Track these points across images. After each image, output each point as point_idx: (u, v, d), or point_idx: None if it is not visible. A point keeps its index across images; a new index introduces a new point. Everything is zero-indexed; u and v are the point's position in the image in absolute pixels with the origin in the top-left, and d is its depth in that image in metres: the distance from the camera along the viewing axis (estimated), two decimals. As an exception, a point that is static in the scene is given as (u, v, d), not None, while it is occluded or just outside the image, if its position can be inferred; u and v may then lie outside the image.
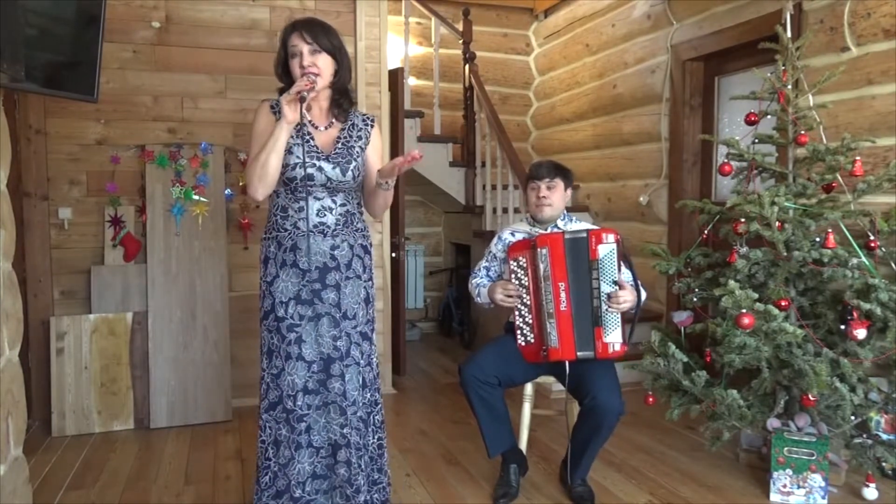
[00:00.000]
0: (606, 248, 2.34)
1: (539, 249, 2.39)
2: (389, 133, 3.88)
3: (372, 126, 2.17)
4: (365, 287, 2.12)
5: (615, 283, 2.35)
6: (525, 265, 2.45)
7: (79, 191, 3.37)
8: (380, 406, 2.18)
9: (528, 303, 2.46)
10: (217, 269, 3.46)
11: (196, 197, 3.43)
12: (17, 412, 1.85)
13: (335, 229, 2.03)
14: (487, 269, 2.73)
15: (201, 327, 3.42)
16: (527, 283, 2.45)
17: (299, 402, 2.00)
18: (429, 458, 2.94)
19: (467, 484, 2.67)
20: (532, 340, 2.46)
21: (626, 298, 2.34)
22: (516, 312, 2.49)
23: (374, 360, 2.17)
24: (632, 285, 2.39)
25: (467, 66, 4.80)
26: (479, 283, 2.68)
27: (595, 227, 2.58)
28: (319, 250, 2.01)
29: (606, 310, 2.35)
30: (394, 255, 4.08)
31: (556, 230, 2.54)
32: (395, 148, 4.07)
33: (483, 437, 2.49)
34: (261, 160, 1.91)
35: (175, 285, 3.39)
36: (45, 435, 3.21)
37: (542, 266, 2.38)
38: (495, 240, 2.73)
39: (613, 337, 2.37)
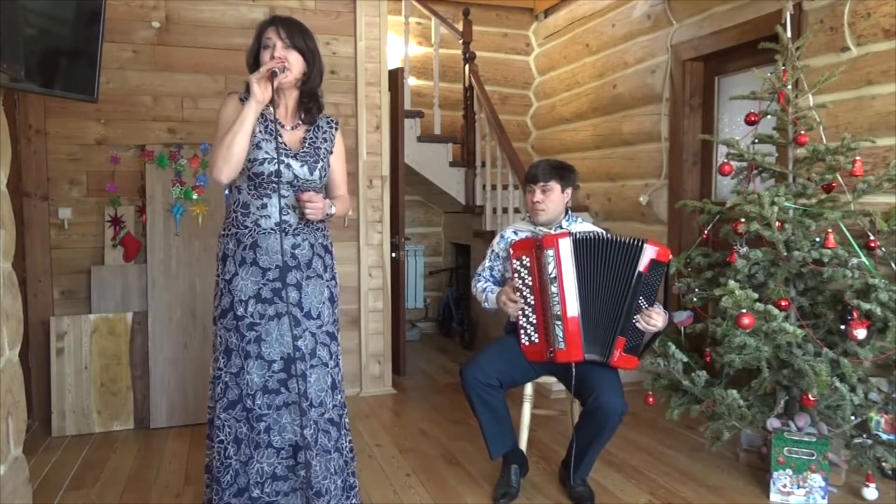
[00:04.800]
0: (656, 265, 2.30)
1: (546, 251, 2.36)
2: (389, 133, 3.88)
3: (336, 129, 2.18)
4: (328, 286, 2.11)
5: (653, 301, 2.33)
6: (529, 265, 2.43)
7: (79, 191, 3.37)
8: (346, 409, 2.16)
9: (532, 303, 2.45)
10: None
11: (196, 197, 3.43)
12: (17, 412, 1.85)
13: (296, 228, 2.03)
14: (491, 268, 2.72)
15: (201, 327, 3.41)
16: (530, 283, 2.44)
17: (258, 402, 1.98)
18: (429, 458, 2.94)
19: (467, 484, 2.67)
20: (536, 340, 2.45)
21: (658, 322, 2.32)
22: (519, 312, 2.48)
23: (341, 360, 2.16)
24: (663, 309, 2.37)
25: (467, 66, 4.80)
26: (487, 287, 2.66)
27: (597, 227, 2.58)
28: (279, 248, 2.00)
29: (635, 323, 2.33)
30: (394, 255, 4.08)
31: (560, 230, 2.53)
32: (396, 148, 4.07)
33: (485, 439, 2.49)
34: (226, 141, 1.90)
35: (175, 285, 3.39)
36: (45, 435, 3.21)
37: (549, 267, 2.36)
38: (497, 238, 2.72)
39: (632, 350, 2.36)
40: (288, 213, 2.01)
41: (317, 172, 2.05)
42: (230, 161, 1.91)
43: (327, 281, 2.11)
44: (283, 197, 2.00)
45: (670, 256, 2.34)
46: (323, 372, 2.05)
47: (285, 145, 2.02)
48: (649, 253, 2.29)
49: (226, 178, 1.93)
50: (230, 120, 1.96)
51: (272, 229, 1.99)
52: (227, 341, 2.00)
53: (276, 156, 1.97)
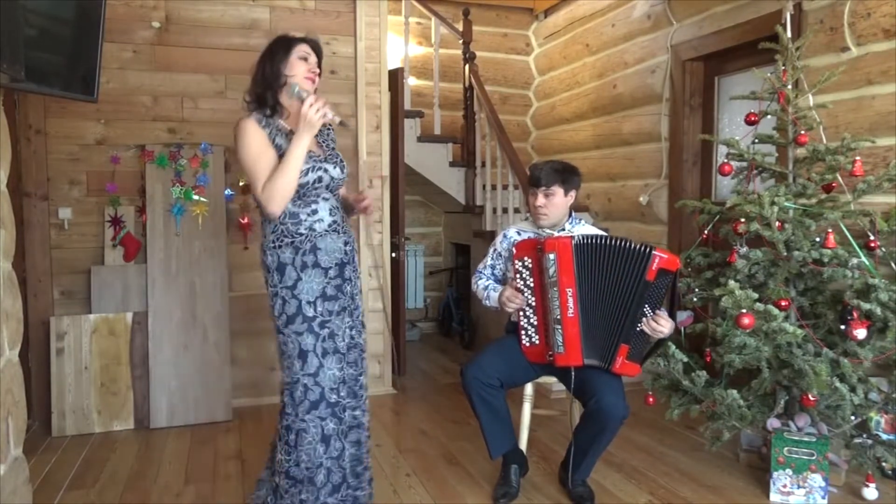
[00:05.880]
0: (664, 274, 2.26)
1: (547, 254, 2.34)
2: (389, 133, 3.88)
3: (333, 131, 2.28)
4: (360, 279, 2.27)
5: (659, 309, 2.30)
6: (531, 266, 2.43)
7: (79, 191, 3.37)
8: None
9: (533, 304, 2.44)
10: (217, 269, 3.46)
11: (196, 197, 3.43)
12: (17, 412, 1.85)
13: (343, 226, 2.16)
14: (493, 267, 2.70)
15: (201, 327, 3.41)
16: (532, 285, 2.43)
17: (342, 393, 2.10)
18: (429, 458, 2.94)
19: (467, 484, 2.67)
20: (537, 342, 2.45)
21: (665, 329, 2.29)
22: (520, 313, 2.48)
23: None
24: (670, 317, 2.34)
25: (467, 66, 4.80)
26: (489, 285, 2.64)
27: (599, 230, 2.57)
28: (336, 247, 2.11)
29: (640, 330, 2.31)
30: (394, 255, 4.08)
31: (563, 234, 2.51)
32: (395, 148, 4.07)
33: (485, 439, 2.49)
34: (285, 181, 1.97)
35: (175, 285, 3.39)
36: (45, 435, 3.21)
37: (550, 270, 2.34)
38: (500, 237, 2.70)
39: (635, 358, 2.34)
40: (336, 214, 2.13)
41: (345, 171, 2.18)
42: (287, 196, 2.00)
43: (359, 275, 2.26)
44: (326, 199, 2.11)
45: (679, 265, 2.30)
46: (361, 357, 2.19)
47: (314, 153, 2.09)
48: (657, 261, 2.25)
49: (279, 210, 2.01)
50: (260, 147, 2.02)
51: (326, 230, 2.09)
52: (301, 344, 2.06)
53: (313, 164, 2.05)
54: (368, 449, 2.23)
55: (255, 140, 2.02)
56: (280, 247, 2.07)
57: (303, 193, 2.05)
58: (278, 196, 1.98)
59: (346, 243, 2.14)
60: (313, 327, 2.06)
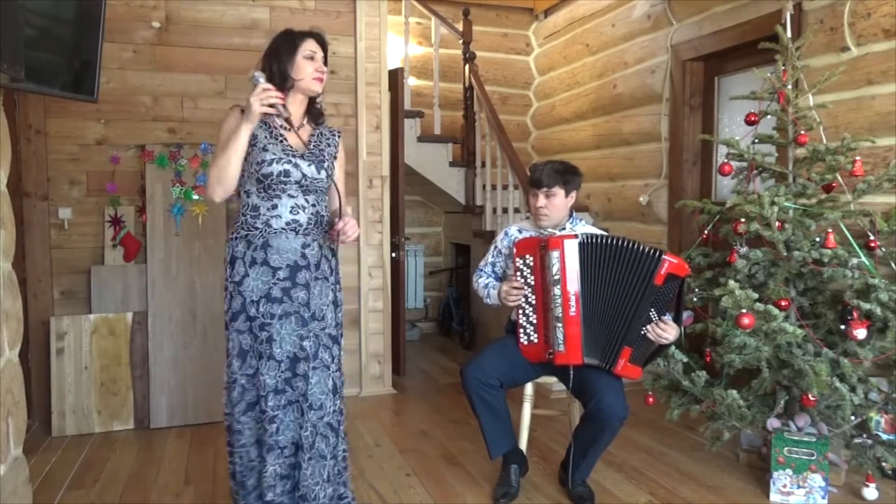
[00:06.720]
0: (672, 278, 2.25)
1: (550, 252, 2.34)
2: (389, 133, 3.88)
3: (339, 138, 2.22)
4: (332, 290, 2.12)
5: (665, 314, 2.29)
6: (532, 264, 2.42)
7: (79, 191, 3.37)
8: (344, 415, 2.15)
9: (533, 302, 2.44)
10: (217, 269, 3.46)
11: (196, 197, 3.43)
12: (17, 412, 1.85)
13: (307, 228, 2.04)
14: (493, 265, 2.70)
15: (201, 327, 3.41)
16: (532, 283, 2.43)
17: (271, 403, 1.98)
18: (429, 458, 2.94)
19: (467, 484, 2.67)
20: (535, 340, 2.45)
21: (669, 336, 2.28)
22: (519, 311, 2.47)
23: (342, 365, 2.16)
24: (675, 322, 2.32)
25: (467, 66, 4.80)
26: (489, 283, 2.64)
27: (598, 230, 2.56)
28: (290, 248, 2.01)
29: (644, 334, 2.30)
30: (394, 255, 4.08)
31: (564, 232, 2.50)
32: (395, 148, 4.07)
33: (485, 439, 2.49)
34: (221, 163, 1.93)
35: (175, 285, 3.39)
36: (45, 435, 3.21)
37: (553, 268, 2.34)
38: (501, 235, 2.69)
39: (637, 360, 2.33)
40: (298, 213, 2.03)
41: (323, 171, 2.07)
42: (224, 183, 1.96)
43: (332, 284, 2.12)
44: (293, 197, 2.02)
45: (688, 270, 2.29)
46: (324, 375, 2.04)
47: (291, 147, 2.05)
48: (667, 265, 2.23)
49: (219, 198, 1.98)
50: (228, 135, 1.98)
51: (283, 229, 2.01)
52: (241, 343, 2.00)
53: (282, 156, 2.00)
54: (322, 480, 2.01)
55: (227, 127, 2.00)
56: (236, 238, 2.03)
57: (267, 185, 1.99)
58: (212, 180, 1.95)
59: (304, 246, 2.03)
60: (253, 328, 1.98)
